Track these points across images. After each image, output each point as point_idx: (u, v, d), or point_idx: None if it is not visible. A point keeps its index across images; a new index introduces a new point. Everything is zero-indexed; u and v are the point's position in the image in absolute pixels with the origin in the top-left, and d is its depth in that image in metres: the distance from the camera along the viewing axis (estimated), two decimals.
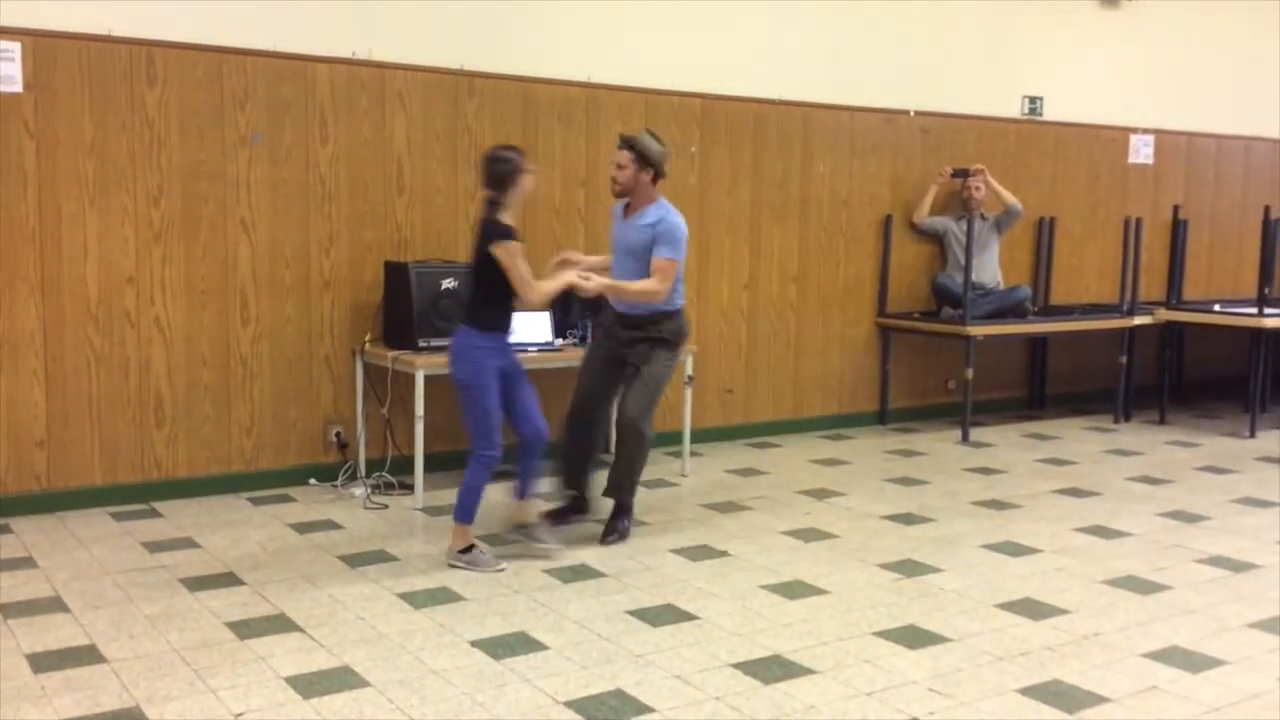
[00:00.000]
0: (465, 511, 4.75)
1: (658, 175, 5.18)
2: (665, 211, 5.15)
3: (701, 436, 7.11)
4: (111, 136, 5.45)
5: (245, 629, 4.07)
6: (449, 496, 5.87)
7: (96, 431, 5.55)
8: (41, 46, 5.26)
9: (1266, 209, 8.33)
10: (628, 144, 5.14)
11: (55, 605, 4.27)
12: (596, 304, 6.54)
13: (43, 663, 3.75)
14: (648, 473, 6.47)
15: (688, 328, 5.44)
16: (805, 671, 3.80)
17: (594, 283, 4.99)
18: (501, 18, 6.40)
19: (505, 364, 4.76)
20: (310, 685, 3.62)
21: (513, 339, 4.86)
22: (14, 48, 5.20)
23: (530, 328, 6.10)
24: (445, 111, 6.27)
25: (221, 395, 5.81)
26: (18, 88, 5.22)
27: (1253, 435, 7.94)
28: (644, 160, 5.11)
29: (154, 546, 5.00)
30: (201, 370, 5.75)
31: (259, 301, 5.86)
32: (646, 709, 3.50)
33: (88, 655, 3.81)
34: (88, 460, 5.54)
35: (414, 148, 6.20)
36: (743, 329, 7.44)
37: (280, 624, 4.13)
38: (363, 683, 3.64)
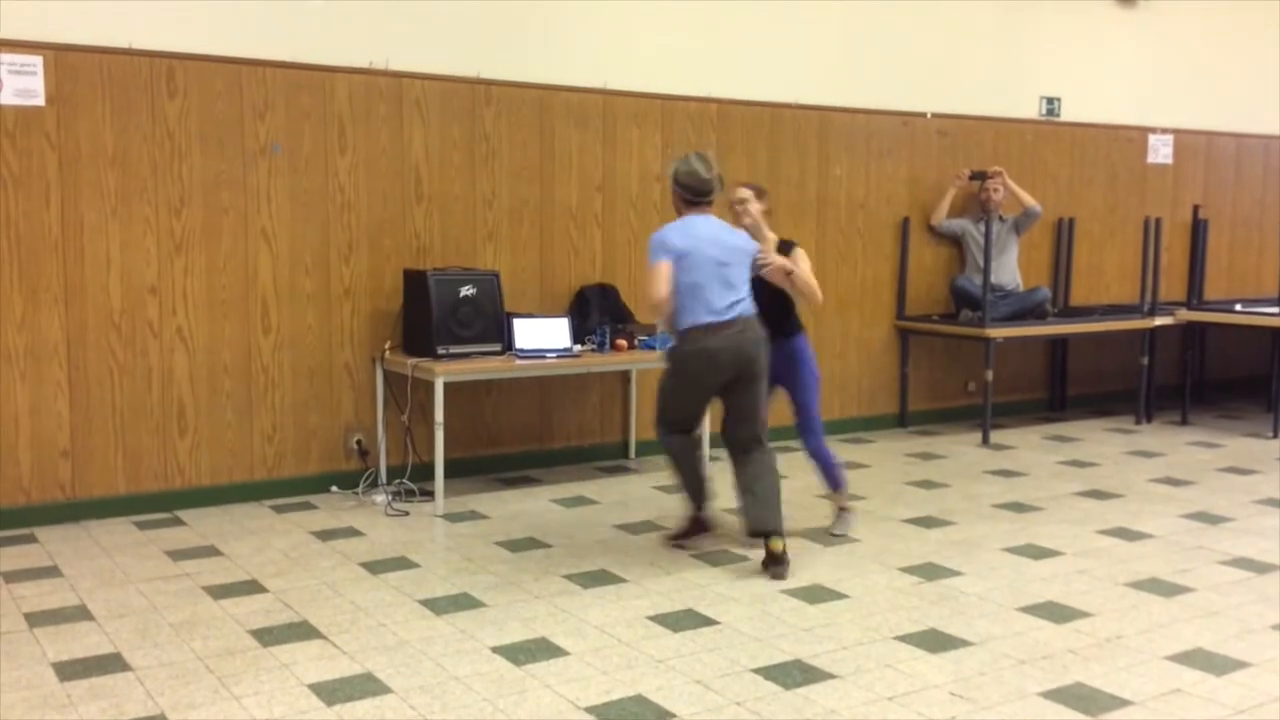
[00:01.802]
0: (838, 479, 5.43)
1: (685, 194, 4.87)
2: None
3: (721, 441, 7.08)
4: (133, 148, 5.49)
5: (268, 636, 4.10)
6: (469, 503, 5.91)
7: (120, 441, 5.59)
8: (63, 60, 5.31)
9: None
10: None
11: (80, 614, 4.31)
12: (617, 312, 6.59)
13: (68, 671, 3.78)
14: (666, 479, 6.50)
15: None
16: (826, 676, 3.80)
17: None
18: (517, 26, 6.42)
19: None
20: (333, 692, 3.64)
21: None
22: (36, 61, 5.26)
23: (549, 334, 6.12)
24: (462, 119, 6.29)
25: (243, 404, 5.85)
26: (40, 101, 5.28)
27: (1275, 435, 7.88)
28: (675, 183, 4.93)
29: (177, 555, 5.03)
30: (223, 379, 5.79)
31: (280, 310, 5.90)
32: (668, 714, 3.50)
33: (112, 663, 3.85)
34: (111, 469, 5.59)
35: (431, 156, 6.23)
36: None
37: (303, 631, 4.15)
38: (385, 689, 3.66)
